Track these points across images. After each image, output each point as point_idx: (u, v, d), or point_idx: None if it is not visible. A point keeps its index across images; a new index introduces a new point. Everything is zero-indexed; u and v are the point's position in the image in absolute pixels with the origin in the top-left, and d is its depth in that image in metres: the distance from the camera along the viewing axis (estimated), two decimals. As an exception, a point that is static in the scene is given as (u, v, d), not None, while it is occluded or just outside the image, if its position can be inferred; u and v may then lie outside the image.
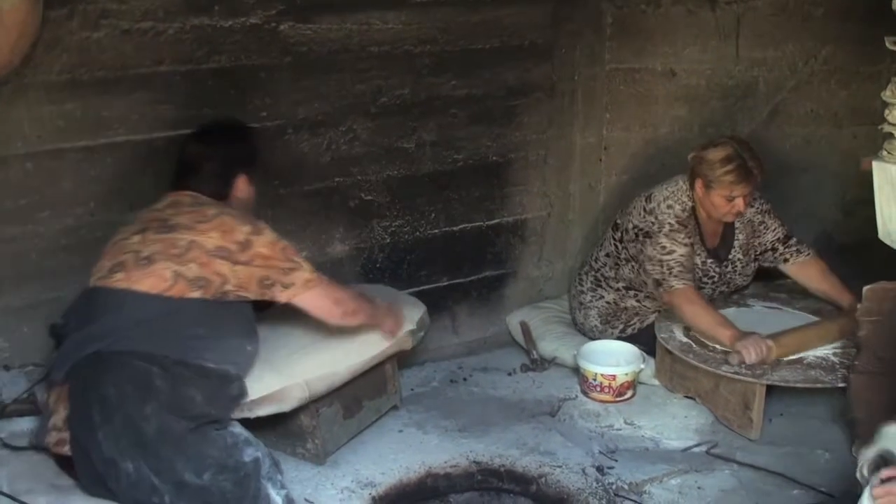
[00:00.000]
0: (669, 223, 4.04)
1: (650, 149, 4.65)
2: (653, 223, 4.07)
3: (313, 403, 3.43)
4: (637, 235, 4.10)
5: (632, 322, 4.26)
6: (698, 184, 4.02)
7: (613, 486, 3.43)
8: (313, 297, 3.24)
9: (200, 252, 3.04)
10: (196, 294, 3.03)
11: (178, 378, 2.99)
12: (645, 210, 4.11)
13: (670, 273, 4.01)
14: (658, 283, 4.04)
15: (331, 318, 3.32)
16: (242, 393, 3.19)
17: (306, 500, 3.30)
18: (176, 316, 3.02)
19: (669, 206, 4.07)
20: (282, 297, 3.19)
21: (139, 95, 3.48)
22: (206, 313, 3.07)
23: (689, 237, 4.07)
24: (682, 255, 4.03)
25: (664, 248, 4.03)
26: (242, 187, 3.34)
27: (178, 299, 3.01)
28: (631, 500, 3.39)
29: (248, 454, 2.98)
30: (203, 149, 3.29)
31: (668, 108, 4.55)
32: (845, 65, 4.59)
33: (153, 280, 3.00)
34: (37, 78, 3.31)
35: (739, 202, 3.96)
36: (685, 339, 3.96)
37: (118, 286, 3.02)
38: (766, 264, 4.32)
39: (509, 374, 4.33)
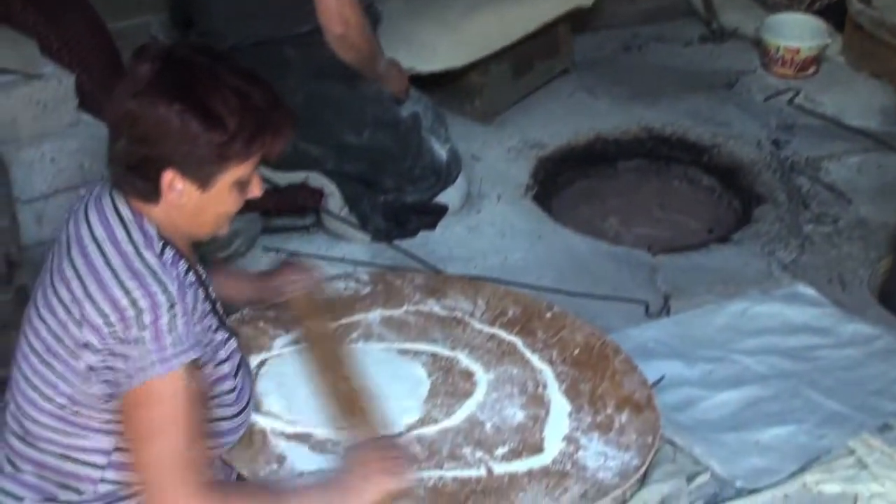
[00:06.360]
0: None
1: None
2: None
3: (482, 61, 3.37)
4: None
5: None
6: None
7: (789, 161, 3.37)
8: None
9: None
10: None
11: (311, 45, 2.84)
12: None
13: None
14: None
15: None
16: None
17: (473, 156, 3.32)
18: None
19: None
20: None
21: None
22: None
23: None
24: None
25: None
26: None
27: None
28: (806, 175, 3.31)
29: (407, 108, 2.95)
30: None
31: None
32: None
33: None
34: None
35: None
36: (874, 14, 3.69)
37: None
38: None
39: (686, 45, 4.14)
